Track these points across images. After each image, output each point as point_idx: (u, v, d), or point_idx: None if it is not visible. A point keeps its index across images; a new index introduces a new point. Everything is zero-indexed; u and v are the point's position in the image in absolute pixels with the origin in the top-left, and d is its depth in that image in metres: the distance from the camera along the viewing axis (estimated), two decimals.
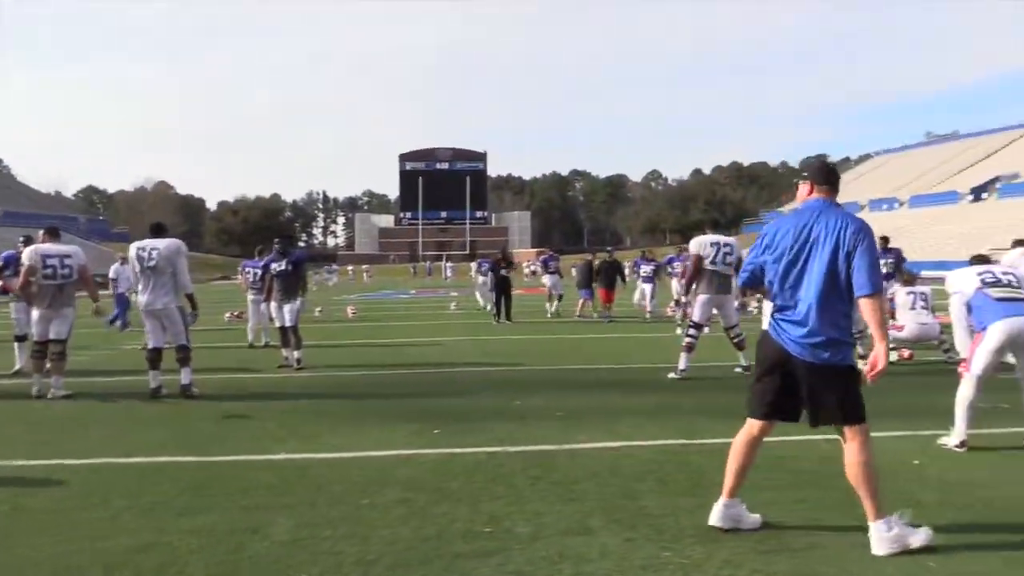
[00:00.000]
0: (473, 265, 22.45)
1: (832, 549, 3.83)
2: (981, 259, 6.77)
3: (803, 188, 4.20)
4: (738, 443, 4.19)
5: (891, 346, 10.44)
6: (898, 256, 13.12)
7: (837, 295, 3.91)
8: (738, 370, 9.64)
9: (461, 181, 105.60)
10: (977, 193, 61.90)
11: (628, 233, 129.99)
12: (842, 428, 3.95)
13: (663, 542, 3.92)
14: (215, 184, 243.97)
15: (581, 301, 19.11)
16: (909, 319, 10.53)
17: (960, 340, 6.12)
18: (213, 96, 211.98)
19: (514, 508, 4.50)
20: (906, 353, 10.69)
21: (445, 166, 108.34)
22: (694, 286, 9.49)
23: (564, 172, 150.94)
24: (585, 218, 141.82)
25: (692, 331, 9.39)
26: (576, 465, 5.43)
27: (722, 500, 4.16)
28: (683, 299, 13.44)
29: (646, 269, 19.02)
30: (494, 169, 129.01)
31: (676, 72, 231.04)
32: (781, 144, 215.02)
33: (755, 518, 4.17)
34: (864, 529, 3.95)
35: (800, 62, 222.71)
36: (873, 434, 6.23)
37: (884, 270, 13.42)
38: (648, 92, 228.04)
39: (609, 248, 22.15)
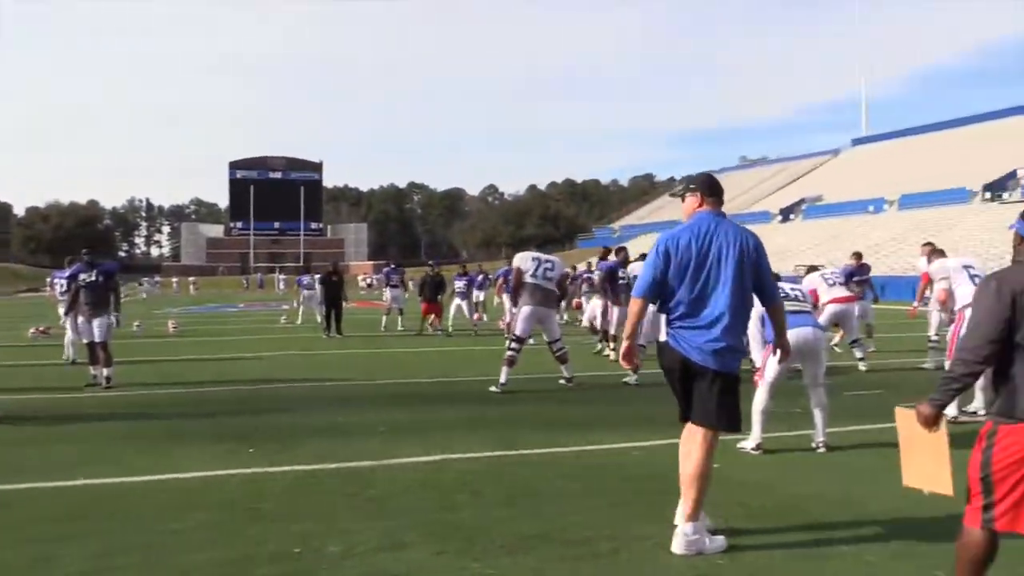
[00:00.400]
0: (305, 279, 21.84)
1: (636, 552, 3.98)
2: (774, 276, 7.34)
3: (690, 200, 4.31)
4: (695, 456, 4.14)
5: None
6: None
7: (742, 305, 4.10)
8: (562, 382, 9.90)
9: (295, 191, 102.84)
10: (786, 214, 66.82)
11: (464, 247, 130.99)
12: (703, 429, 4.08)
13: (473, 554, 3.94)
14: (24, 188, 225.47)
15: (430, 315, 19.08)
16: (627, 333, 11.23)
17: (755, 351, 6.57)
18: (24, 93, 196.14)
19: (326, 527, 4.39)
20: None
21: (278, 175, 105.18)
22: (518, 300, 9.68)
23: (402, 184, 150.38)
24: (422, 231, 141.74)
25: (514, 345, 9.54)
26: (394, 480, 5.38)
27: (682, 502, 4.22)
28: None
29: (459, 284, 19.05)
30: (330, 180, 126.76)
31: (514, 89, 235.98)
32: (612, 163, 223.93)
33: (721, 539, 4.12)
34: (666, 532, 4.16)
35: (631, 86, 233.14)
36: (676, 440, 6.59)
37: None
38: (486, 107, 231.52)
39: (432, 262, 22.15)
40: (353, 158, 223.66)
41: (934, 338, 11.36)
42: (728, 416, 4.10)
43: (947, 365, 7.64)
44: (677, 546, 3.96)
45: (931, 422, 3.08)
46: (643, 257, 11.65)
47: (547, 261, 9.71)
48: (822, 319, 11.56)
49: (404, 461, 5.92)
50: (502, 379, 9.33)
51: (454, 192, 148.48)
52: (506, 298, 18.03)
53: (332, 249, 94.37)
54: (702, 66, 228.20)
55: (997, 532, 2.93)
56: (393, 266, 21.40)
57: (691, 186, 4.36)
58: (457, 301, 18.99)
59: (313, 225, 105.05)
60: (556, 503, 4.81)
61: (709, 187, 4.30)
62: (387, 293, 20.53)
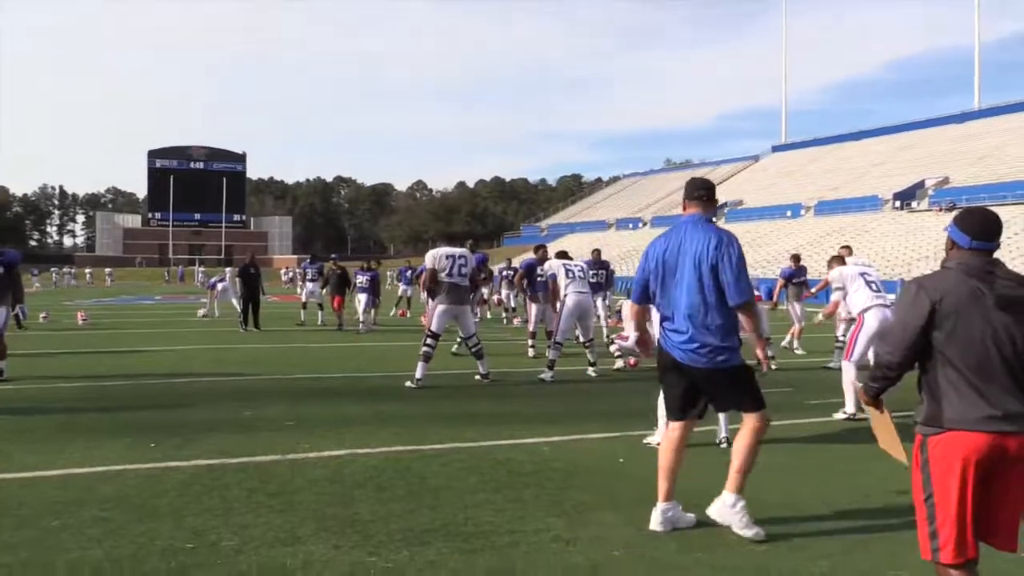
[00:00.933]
0: (227, 271, 21.39)
1: (534, 544, 4.02)
2: None
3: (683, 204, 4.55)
4: (664, 446, 4.41)
5: (617, 354, 11.30)
6: None
7: (706, 305, 4.20)
8: (477, 378, 9.91)
9: (217, 182, 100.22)
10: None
11: (392, 242, 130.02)
12: (748, 414, 4.34)
13: (370, 547, 3.91)
14: None
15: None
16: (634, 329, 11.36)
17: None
18: None
19: (221, 522, 4.30)
20: (632, 361, 11.52)
21: (200, 166, 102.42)
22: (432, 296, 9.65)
23: (329, 178, 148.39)
24: (349, 226, 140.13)
25: (429, 340, 9.50)
26: (297, 475, 5.30)
27: (659, 505, 4.33)
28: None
29: (361, 279, 18.66)
30: (254, 172, 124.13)
31: (443, 86, 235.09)
32: (540, 163, 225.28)
33: (690, 517, 4.39)
34: (567, 524, 4.21)
35: (560, 88, 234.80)
36: (586, 436, 6.69)
37: (594, 280, 14.52)
38: (415, 103, 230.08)
39: (334, 256, 21.80)
40: (278, 150, 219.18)
41: (840, 339, 11.78)
42: (753, 398, 4.34)
43: (843, 366, 7.97)
44: (656, 523, 4.27)
45: (873, 406, 3.24)
46: (563, 255, 11.75)
47: (461, 257, 9.65)
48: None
49: (310, 456, 5.83)
50: (418, 375, 9.28)
51: (382, 187, 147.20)
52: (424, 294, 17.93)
53: (255, 242, 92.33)
54: (630, 70, 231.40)
55: (975, 564, 2.80)
56: (310, 259, 21.18)
57: (684, 193, 4.57)
58: (359, 295, 18.45)
59: (236, 217, 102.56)
60: (459, 497, 4.81)
61: (689, 190, 4.50)
62: (307, 287, 20.22)
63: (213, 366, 11.25)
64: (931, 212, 48.46)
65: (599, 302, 14.45)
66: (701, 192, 4.47)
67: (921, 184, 53.77)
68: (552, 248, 15.20)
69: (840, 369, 8.26)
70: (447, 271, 9.51)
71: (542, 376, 10.11)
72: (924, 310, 2.85)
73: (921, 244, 42.94)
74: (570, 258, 11.43)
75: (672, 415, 4.45)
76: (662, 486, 4.34)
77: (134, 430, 6.71)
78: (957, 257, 2.96)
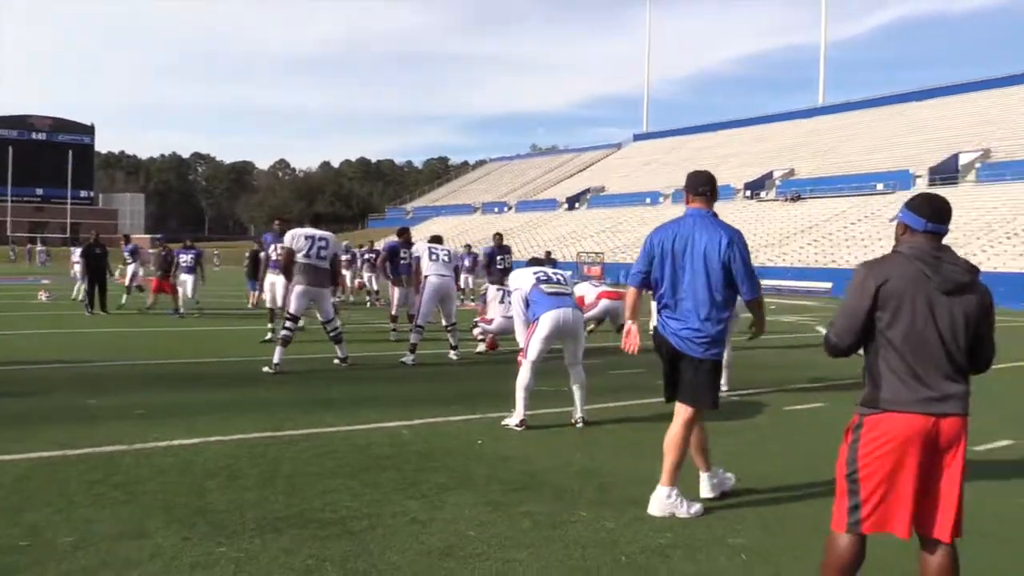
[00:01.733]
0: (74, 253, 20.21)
1: (390, 527, 4.05)
2: (537, 261, 7.79)
3: (685, 196, 4.64)
4: (675, 429, 4.49)
5: (480, 337, 11.42)
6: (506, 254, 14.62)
7: (712, 300, 4.36)
8: (336, 362, 9.79)
9: (62, 155, 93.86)
10: (572, 202, 69.73)
11: (253, 222, 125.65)
12: (683, 405, 4.51)
13: (220, 538, 3.83)
14: None
15: (253, 293, 18.34)
16: (497, 313, 11.52)
17: (520, 331, 6.85)
18: None
19: (62, 516, 4.10)
20: (490, 343, 11.69)
21: (43, 137, 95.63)
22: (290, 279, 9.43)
23: (185, 154, 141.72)
24: (207, 204, 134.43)
25: (288, 324, 9.30)
26: (144, 466, 5.10)
27: (703, 475, 4.67)
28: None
29: (185, 259, 17.55)
30: (103, 145, 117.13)
31: (308, 62, 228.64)
32: (407, 144, 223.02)
33: (731, 476, 4.84)
34: (424, 507, 4.27)
35: (429, 70, 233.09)
36: (445, 418, 6.76)
37: (501, 266, 14.70)
38: (279, 79, 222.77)
39: (159, 237, 21.01)
40: (130, 124, 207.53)
41: None
42: (712, 397, 4.51)
43: None
44: (654, 508, 4.40)
45: None
46: (436, 240, 11.76)
47: (321, 239, 9.46)
48: (593, 312, 12.28)
49: (159, 445, 5.62)
50: (276, 359, 9.08)
51: (241, 165, 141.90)
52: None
53: (104, 220, 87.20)
54: (497, 54, 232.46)
55: (864, 537, 2.88)
56: (124, 240, 20.47)
57: (685, 185, 4.66)
58: (183, 276, 17.42)
59: (83, 193, 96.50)
60: (315, 483, 4.78)
61: (692, 185, 4.60)
62: (130, 269, 19.22)
63: (54, 352, 10.59)
64: (778, 201, 51.30)
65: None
66: (705, 188, 4.59)
67: (770, 175, 56.78)
68: (420, 232, 15.17)
69: None
70: (305, 252, 9.31)
71: (403, 359, 10.10)
72: (869, 293, 2.86)
73: (769, 231, 45.43)
74: (441, 242, 11.45)
75: (667, 395, 4.64)
76: (698, 461, 4.67)
77: None
78: (909, 241, 2.95)
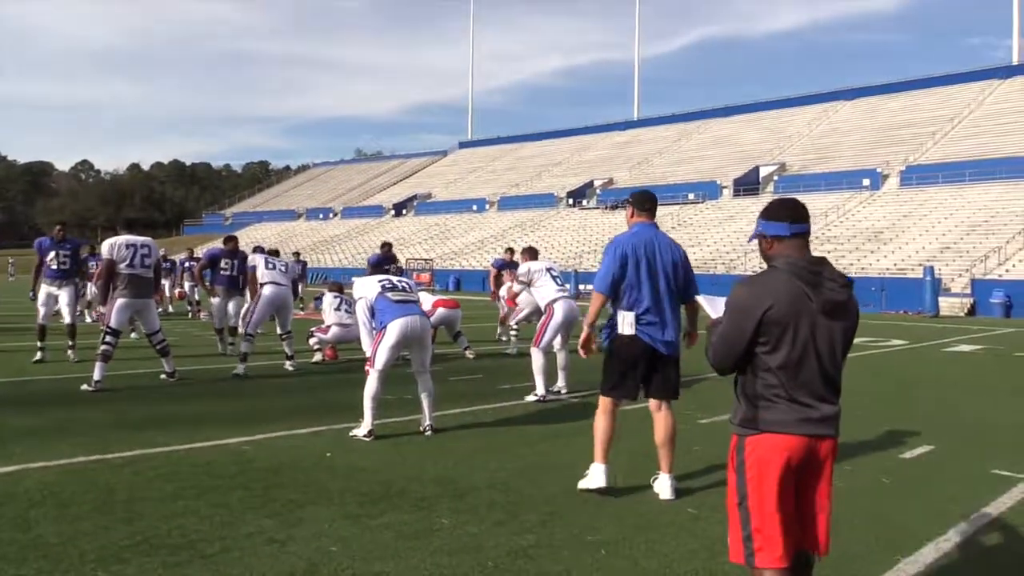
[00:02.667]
0: None
1: (247, 549, 3.86)
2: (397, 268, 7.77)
3: (629, 212, 5.12)
4: (603, 420, 4.93)
5: (316, 347, 11.15)
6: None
7: (676, 304, 4.94)
8: (163, 377, 9.23)
9: None
10: (399, 209, 69.40)
11: (52, 228, 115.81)
12: (663, 401, 4.98)
13: (58, 573, 3.51)
14: None
15: None
16: (334, 321, 11.29)
17: (365, 340, 6.75)
18: None
19: None
20: (330, 353, 11.44)
21: None
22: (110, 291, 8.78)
23: None
24: None
25: (109, 338, 8.65)
26: None
27: (600, 465, 4.90)
28: (100, 307, 11.91)
29: None
30: None
31: (116, 58, 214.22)
32: (224, 147, 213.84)
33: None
34: (278, 525, 4.11)
35: (249, 69, 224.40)
36: (289, 431, 6.55)
37: None
38: (83, 73, 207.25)
39: None
40: None
41: (515, 327, 12.65)
42: (676, 388, 5.05)
43: (533, 353, 8.54)
44: (667, 493, 4.85)
45: None
46: (259, 250, 11.33)
47: (143, 246, 8.90)
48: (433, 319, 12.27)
49: None
50: (96, 376, 8.42)
51: (39, 166, 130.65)
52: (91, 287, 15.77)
53: None
54: (320, 56, 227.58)
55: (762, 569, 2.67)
56: None
57: (628, 200, 5.17)
58: None
59: None
60: (157, 507, 4.48)
61: (639, 202, 5.11)
62: None
63: None
64: (598, 209, 53.41)
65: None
66: (649, 204, 5.13)
67: (590, 184, 59.05)
68: (243, 237, 14.57)
69: (528, 355, 8.82)
70: (127, 261, 8.72)
71: (236, 371, 9.69)
72: (753, 320, 2.70)
73: (590, 238, 47.19)
74: (277, 255, 11.10)
75: (620, 394, 4.95)
76: (600, 451, 4.94)
77: None
78: (782, 251, 2.81)
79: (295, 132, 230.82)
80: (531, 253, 9.86)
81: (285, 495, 4.78)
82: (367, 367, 6.53)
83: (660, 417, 4.99)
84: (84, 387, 8.41)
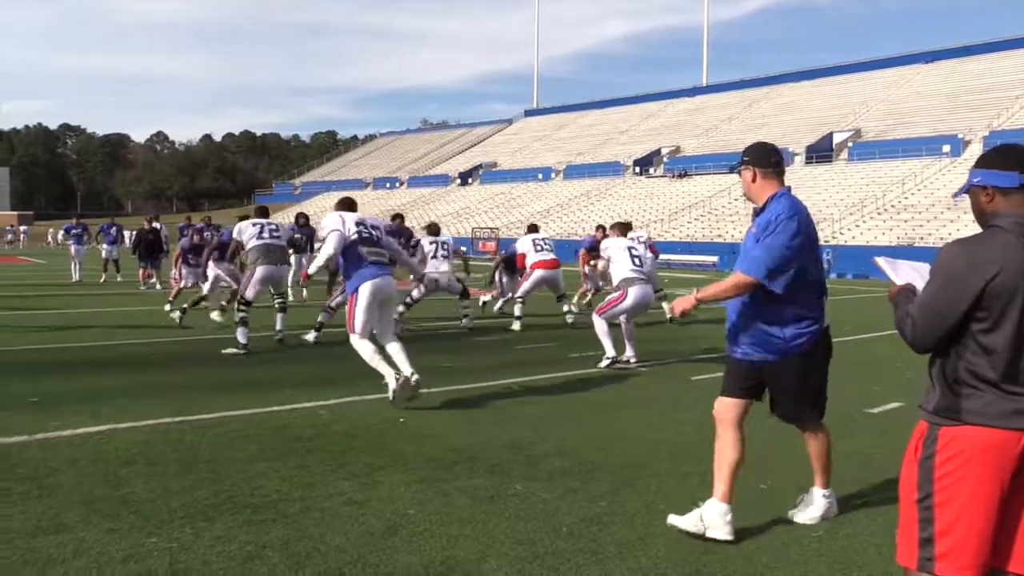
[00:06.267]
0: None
1: (327, 510, 3.97)
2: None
3: (750, 174, 3.77)
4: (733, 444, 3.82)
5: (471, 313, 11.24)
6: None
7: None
8: (278, 339, 9.47)
9: None
10: (464, 178, 69.53)
11: (130, 198, 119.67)
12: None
13: (149, 528, 3.67)
14: None
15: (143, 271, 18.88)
16: (431, 268, 11.31)
17: (316, 265, 6.97)
18: None
19: None
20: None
21: None
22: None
23: (53, 126, 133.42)
24: (78, 179, 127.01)
25: (243, 307, 9.35)
26: (51, 456, 4.82)
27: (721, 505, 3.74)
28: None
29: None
30: None
31: (191, 31, 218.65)
32: (293, 118, 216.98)
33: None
34: (355, 488, 4.21)
35: (317, 41, 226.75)
36: (362, 396, 6.65)
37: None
38: (159, 46, 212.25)
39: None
40: None
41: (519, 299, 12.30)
42: None
43: (595, 319, 8.47)
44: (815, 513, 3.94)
45: None
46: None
47: (269, 224, 9.89)
48: (527, 284, 12.11)
49: (64, 434, 5.32)
50: (243, 339, 9.07)
51: (116, 138, 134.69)
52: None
53: None
54: (386, 27, 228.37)
55: None
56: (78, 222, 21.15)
57: (745, 159, 3.83)
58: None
59: None
60: (240, 468, 4.63)
61: (770, 158, 3.80)
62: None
63: None
64: (665, 178, 52.65)
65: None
66: (780, 161, 3.87)
67: (657, 152, 58.15)
68: (310, 207, 14.96)
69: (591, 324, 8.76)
70: (257, 235, 9.53)
71: (305, 337, 9.95)
72: (972, 292, 2.23)
73: (657, 207, 46.61)
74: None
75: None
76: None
77: None
78: (1007, 208, 2.31)
79: (362, 102, 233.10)
80: (620, 228, 9.66)
81: (361, 459, 4.89)
82: (349, 332, 6.53)
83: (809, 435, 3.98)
84: (232, 350, 9.03)
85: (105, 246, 21.01)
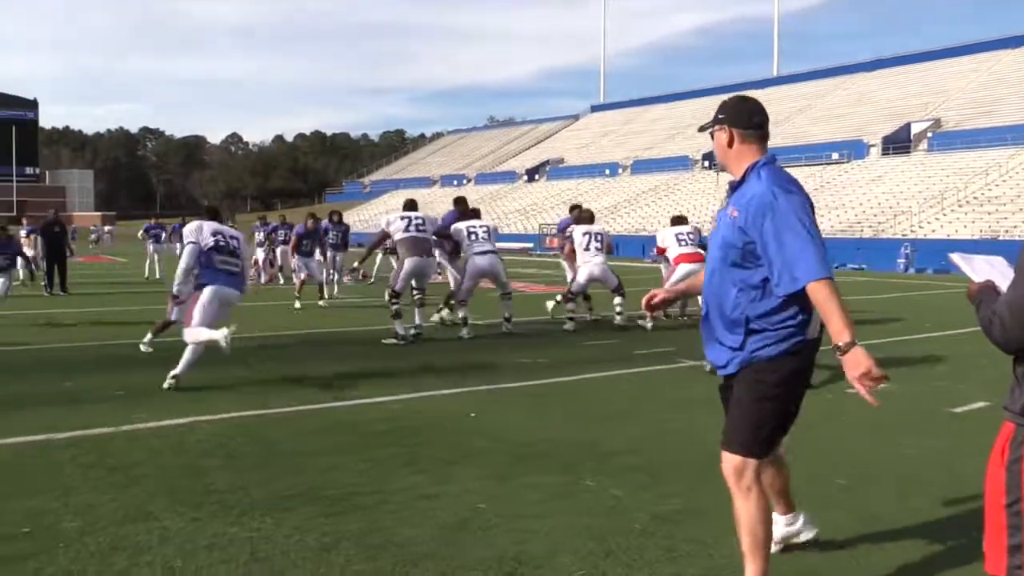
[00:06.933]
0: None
1: (400, 503, 4.03)
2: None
3: (726, 135, 3.01)
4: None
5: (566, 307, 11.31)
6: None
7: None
8: (412, 331, 9.68)
9: (5, 132, 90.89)
10: (531, 174, 69.60)
11: (206, 198, 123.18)
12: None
13: (231, 518, 3.78)
14: None
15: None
16: (583, 260, 11.24)
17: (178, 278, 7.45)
18: None
19: (60, 502, 4.00)
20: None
21: None
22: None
23: (133, 129, 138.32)
24: (158, 181, 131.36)
25: (395, 299, 9.60)
26: (136, 447, 5.01)
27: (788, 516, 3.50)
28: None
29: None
30: (48, 121, 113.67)
31: (262, 34, 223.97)
32: (362, 117, 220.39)
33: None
34: (428, 482, 4.27)
35: (384, 41, 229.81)
36: (432, 392, 6.73)
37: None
38: (229, 50, 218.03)
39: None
40: (75, 98, 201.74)
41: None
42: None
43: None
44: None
45: None
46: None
47: (417, 218, 9.98)
48: (674, 277, 11.71)
49: (147, 426, 5.52)
50: (400, 330, 9.43)
51: (193, 140, 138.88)
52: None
53: (52, 198, 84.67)
54: (452, 25, 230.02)
55: None
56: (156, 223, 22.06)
57: (719, 116, 3.06)
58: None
59: (28, 170, 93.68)
60: (316, 461, 4.74)
61: (753, 118, 3.04)
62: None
63: (18, 335, 10.31)
64: None
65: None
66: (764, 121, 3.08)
67: None
68: (379, 206, 15.48)
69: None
70: (404, 228, 9.71)
71: (393, 340, 9.99)
72: None
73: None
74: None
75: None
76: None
77: None
78: None
79: (429, 101, 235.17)
80: (673, 220, 9.61)
81: (433, 453, 4.94)
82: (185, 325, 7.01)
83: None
84: (391, 341, 9.46)
85: (178, 245, 21.74)
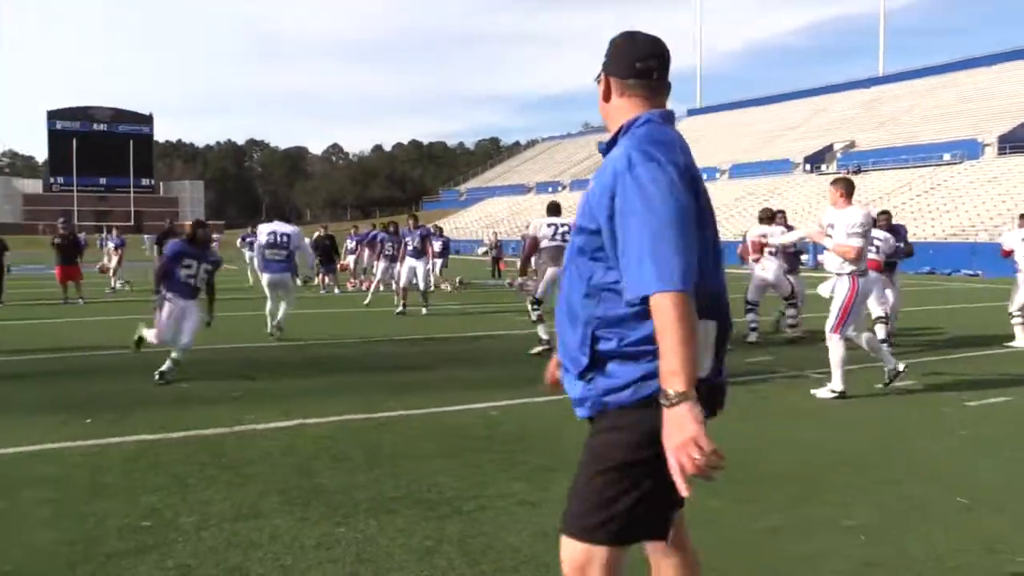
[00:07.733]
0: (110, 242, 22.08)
1: (501, 508, 4.07)
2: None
3: (600, 88, 2.34)
4: None
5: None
6: None
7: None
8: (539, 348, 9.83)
9: (123, 145, 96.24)
10: None
11: (309, 207, 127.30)
12: None
13: (337, 518, 3.90)
14: None
15: (321, 276, 20.22)
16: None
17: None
18: None
19: (178, 498, 4.21)
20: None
21: (104, 127, 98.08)
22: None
23: (240, 141, 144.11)
24: (264, 191, 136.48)
25: (536, 306, 9.59)
26: (247, 447, 5.22)
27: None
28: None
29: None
30: (162, 134, 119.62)
31: (360, 46, 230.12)
32: (458, 126, 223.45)
33: None
34: (527, 488, 4.28)
35: (478, 50, 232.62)
36: (531, 399, 6.75)
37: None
38: (329, 64, 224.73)
39: (61, 221, 19.69)
40: (186, 112, 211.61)
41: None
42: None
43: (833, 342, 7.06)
44: None
45: None
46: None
47: (563, 225, 9.78)
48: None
49: (259, 427, 5.74)
50: (544, 336, 9.39)
51: (295, 151, 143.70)
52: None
53: (166, 208, 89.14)
54: (547, 33, 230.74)
55: None
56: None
57: (629, 68, 2.33)
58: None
59: (144, 181, 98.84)
60: (418, 465, 4.83)
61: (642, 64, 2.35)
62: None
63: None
64: (839, 175, 50.12)
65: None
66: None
67: (830, 147, 55.50)
68: (471, 213, 15.51)
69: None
70: (551, 236, 9.68)
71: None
72: None
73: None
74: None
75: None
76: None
77: (65, 405, 6.46)
78: None
79: (524, 108, 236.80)
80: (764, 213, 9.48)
81: (532, 460, 4.97)
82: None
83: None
84: (536, 349, 9.38)
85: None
